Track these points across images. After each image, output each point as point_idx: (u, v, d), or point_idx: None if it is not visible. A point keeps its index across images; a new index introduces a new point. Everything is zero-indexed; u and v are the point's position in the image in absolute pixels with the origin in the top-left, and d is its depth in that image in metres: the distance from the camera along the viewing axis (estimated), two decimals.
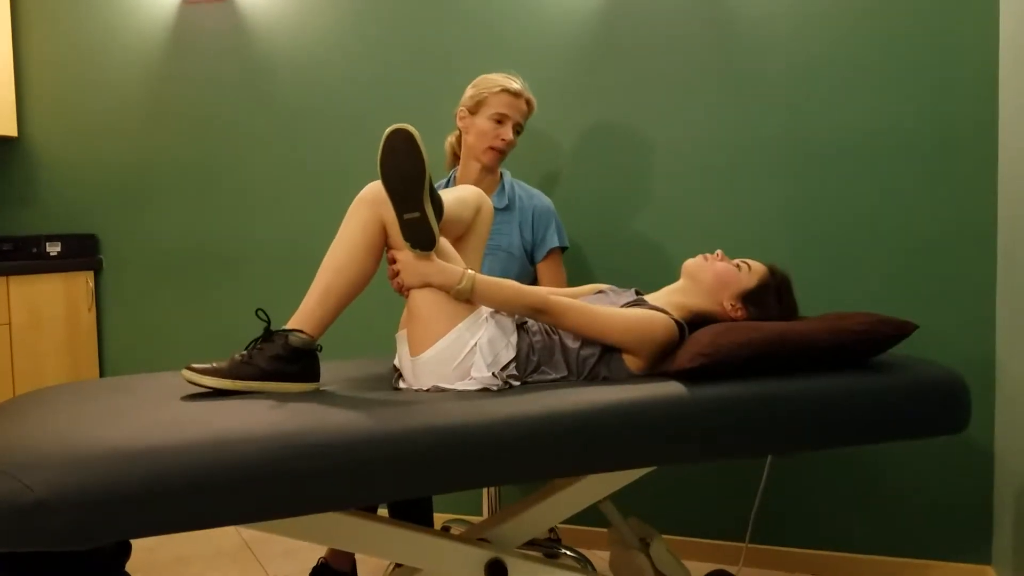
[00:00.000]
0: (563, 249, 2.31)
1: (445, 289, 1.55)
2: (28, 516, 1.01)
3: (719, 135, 2.41)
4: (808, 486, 2.38)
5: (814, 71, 2.32)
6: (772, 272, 1.77)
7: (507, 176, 2.29)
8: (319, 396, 1.45)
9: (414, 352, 1.58)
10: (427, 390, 1.56)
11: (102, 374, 3.14)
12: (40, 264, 2.87)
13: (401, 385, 1.62)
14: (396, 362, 1.68)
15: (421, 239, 1.52)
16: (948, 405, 1.49)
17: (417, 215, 1.50)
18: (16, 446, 1.12)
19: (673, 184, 2.46)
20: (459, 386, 1.54)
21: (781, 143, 2.36)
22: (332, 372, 1.80)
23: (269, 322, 1.53)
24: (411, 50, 2.70)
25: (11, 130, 3.09)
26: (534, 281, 2.30)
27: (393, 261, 1.60)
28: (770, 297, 1.73)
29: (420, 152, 1.47)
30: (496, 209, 2.20)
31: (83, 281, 3.04)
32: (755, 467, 2.44)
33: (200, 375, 1.42)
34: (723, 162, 2.41)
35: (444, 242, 1.63)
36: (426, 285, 1.56)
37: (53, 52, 3.10)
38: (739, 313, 1.73)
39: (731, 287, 1.73)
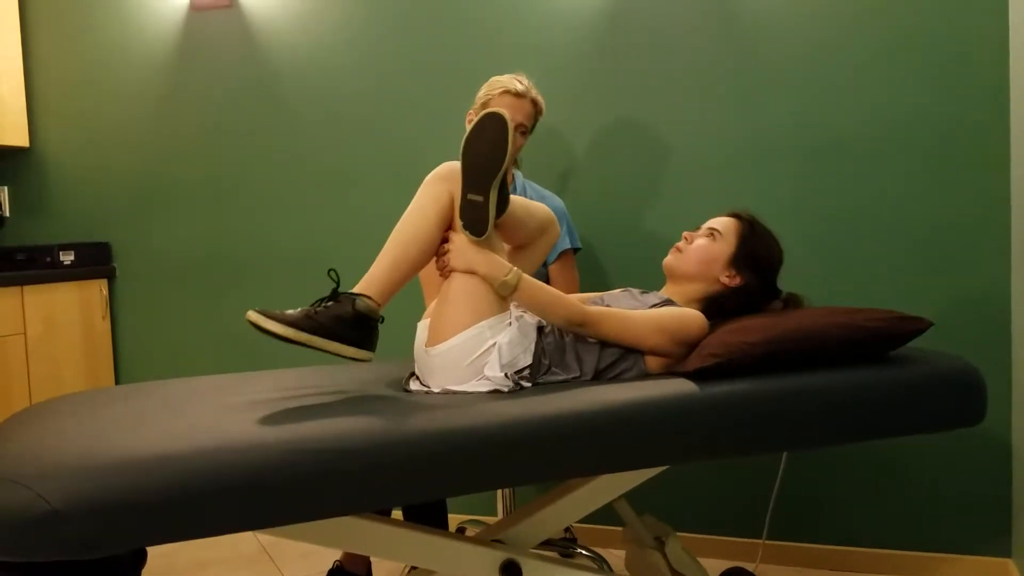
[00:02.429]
0: (575, 251, 2.30)
1: (490, 280, 1.56)
2: (42, 526, 1.02)
3: (728, 131, 2.39)
4: (825, 481, 2.37)
5: (823, 65, 2.30)
6: (740, 221, 1.76)
7: (519, 177, 2.28)
8: (331, 399, 1.46)
9: (432, 342, 1.58)
10: (438, 393, 1.56)
11: (117, 381, 3.15)
12: (54, 273, 2.89)
13: (412, 387, 1.62)
14: (416, 367, 1.67)
15: (475, 223, 1.55)
16: (964, 397, 1.48)
17: (480, 199, 1.54)
18: (30, 456, 1.12)
19: (683, 181, 2.45)
20: (469, 387, 1.54)
21: (791, 139, 2.34)
22: (343, 374, 1.80)
23: (338, 283, 1.54)
24: (420, 54, 2.70)
25: (23, 140, 3.12)
26: (545, 282, 2.29)
27: (446, 240, 1.61)
28: (752, 247, 1.73)
29: (507, 143, 1.51)
30: None
31: (97, 289, 3.06)
32: (771, 463, 2.43)
33: (265, 319, 1.38)
34: (734, 158, 2.39)
35: (499, 243, 1.65)
36: (471, 272, 1.57)
37: (62, 62, 3.12)
38: (736, 280, 1.72)
39: (717, 261, 1.73)
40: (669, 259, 1.77)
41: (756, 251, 1.73)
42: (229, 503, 1.12)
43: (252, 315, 1.38)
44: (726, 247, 1.73)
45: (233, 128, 2.93)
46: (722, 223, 1.76)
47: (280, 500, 1.16)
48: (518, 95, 2.14)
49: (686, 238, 1.77)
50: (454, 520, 2.67)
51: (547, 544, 2.40)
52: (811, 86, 2.31)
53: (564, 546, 2.39)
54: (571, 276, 2.28)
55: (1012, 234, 2.17)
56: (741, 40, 2.37)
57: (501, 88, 2.14)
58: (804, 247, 2.35)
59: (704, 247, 1.73)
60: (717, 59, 2.39)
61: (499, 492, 2.35)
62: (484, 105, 2.16)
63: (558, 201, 2.27)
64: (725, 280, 1.73)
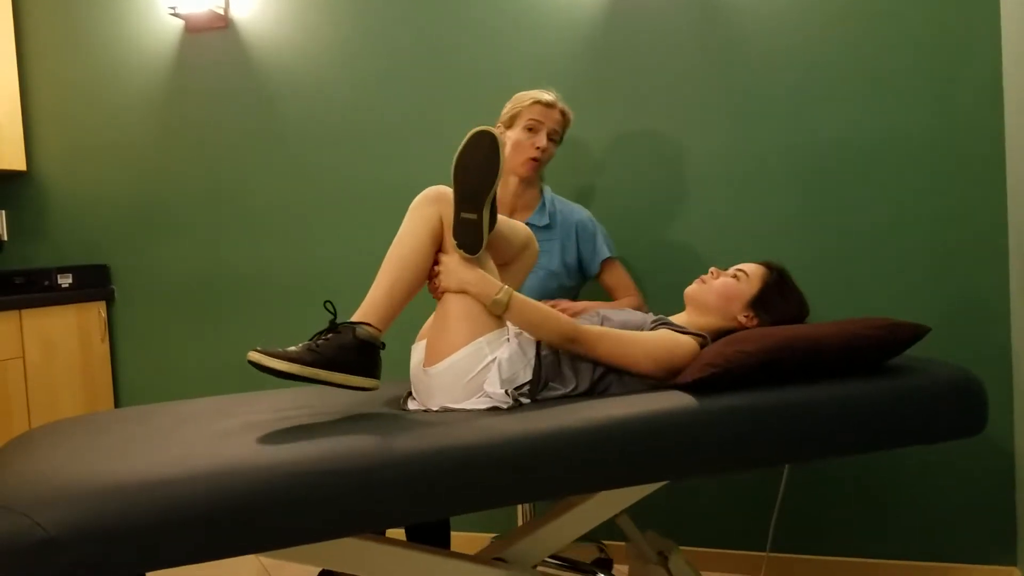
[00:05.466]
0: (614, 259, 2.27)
1: (481, 299, 1.56)
2: (39, 554, 1.01)
3: (737, 145, 2.39)
4: (828, 493, 2.36)
5: (828, 80, 2.31)
6: (769, 269, 1.77)
7: (547, 192, 2.27)
8: (328, 420, 1.45)
9: (430, 362, 1.57)
10: (436, 411, 1.55)
11: (117, 404, 3.15)
12: (52, 296, 2.89)
13: (410, 406, 1.62)
14: (413, 389, 1.67)
15: (470, 241, 1.56)
16: (965, 407, 1.47)
17: (474, 217, 1.54)
18: (27, 483, 1.12)
19: (692, 194, 2.44)
20: (468, 405, 1.53)
21: (797, 152, 2.34)
22: (339, 395, 1.80)
23: (335, 314, 1.54)
24: (419, 73, 2.70)
25: (20, 164, 3.12)
26: (575, 298, 2.27)
27: (437, 263, 1.62)
28: (775, 295, 1.74)
29: (499, 159, 1.52)
30: (538, 227, 2.20)
31: (96, 312, 3.06)
32: (773, 475, 2.41)
33: (267, 357, 1.37)
34: (742, 171, 2.39)
35: (491, 262, 1.65)
36: (463, 291, 1.57)
37: (59, 86, 3.13)
38: (753, 322, 1.73)
39: (738, 300, 1.74)
40: (692, 288, 1.78)
41: (777, 300, 1.74)
42: (226, 527, 1.11)
43: (254, 355, 1.37)
44: (749, 288, 1.74)
45: (231, 150, 2.94)
46: (750, 267, 1.78)
47: (278, 523, 1.15)
48: (549, 104, 2.17)
49: (712, 273, 1.78)
50: (471, 536, 2.66)
51: (575, 568, 2.34)
52: (817, 101, 2.32)
53: (591, 571, 2.34)
54: (624, 279, 2.26)
55: (1009, 241, 2.17)
56: (747, 57, 2.37)
57: (532, 99, 2.17)
58: (811, 257, 2.34)
59: (728, 284, 1.75)
60: (724, 74, 2.40)
61: (519, 508, 2.33)
62: (513, 117, 2.18)
63: (585, 214, 2.26)
64: (743, 319, 1.74)
